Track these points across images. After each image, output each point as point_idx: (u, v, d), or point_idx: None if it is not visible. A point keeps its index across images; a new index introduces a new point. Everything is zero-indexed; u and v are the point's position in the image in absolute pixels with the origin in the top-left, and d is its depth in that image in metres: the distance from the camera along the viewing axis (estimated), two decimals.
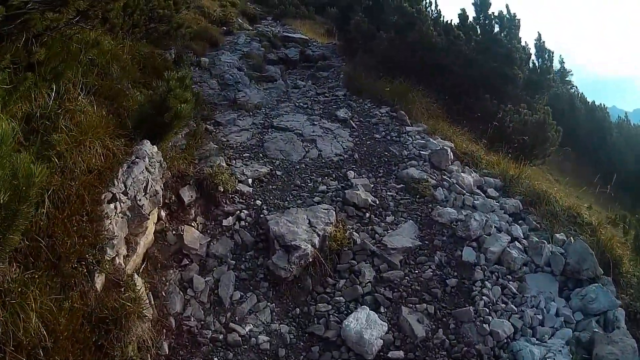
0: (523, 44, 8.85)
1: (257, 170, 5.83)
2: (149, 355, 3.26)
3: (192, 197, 4.93)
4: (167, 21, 7.20)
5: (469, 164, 6.50)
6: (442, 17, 10.33)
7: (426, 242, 4.83)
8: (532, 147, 8.02)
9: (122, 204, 3.74)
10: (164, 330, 3.54)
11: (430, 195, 5.51)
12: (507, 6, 8.81)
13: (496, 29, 8.90)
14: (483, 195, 5.66)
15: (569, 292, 4.42)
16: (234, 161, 6.09)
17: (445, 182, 5.76)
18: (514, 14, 8.76)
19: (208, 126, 7.15)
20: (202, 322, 3.81)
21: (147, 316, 3.27)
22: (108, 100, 4.80)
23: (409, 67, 8.73)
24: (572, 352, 3.76)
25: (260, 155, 6.43)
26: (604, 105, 15.50)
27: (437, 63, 8.78)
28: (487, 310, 4.04)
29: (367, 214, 5.16)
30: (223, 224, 4.82)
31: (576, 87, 14.75)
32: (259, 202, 5.22)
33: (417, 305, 4.10)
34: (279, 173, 5.95)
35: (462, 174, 6.00)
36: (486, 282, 4.32)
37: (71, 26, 4.40)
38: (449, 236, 4.89)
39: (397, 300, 4.15)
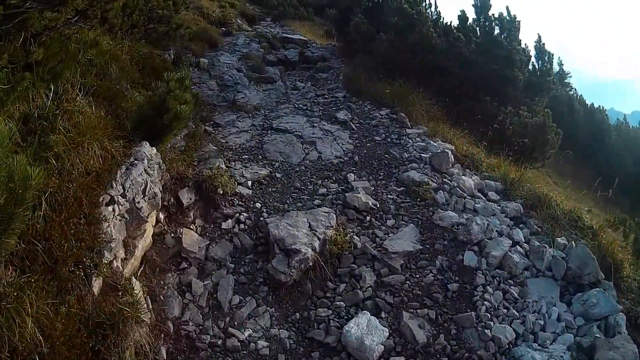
0: (523, 45, 8.83)
1: (256, 172, 5.78)
2: None
3: (191, 199, 4.89)
4: (167, 21, 7.15)
5: (469, 167, 6.46)
6: (441, 18, 10.31)
7: (427, 246, 4.79)
8: (532, 149, 7.99)
9: (120, 206, 3.69)
10: (162, 335, 3.49)
11: (431, 199, 5.47)
12: (507, 8, 8.81)
13: (496, 30, 8.88)
14: (484, 198, 5.62)
15: (570, 296, 4.38)
16: (233, 163, 6.05)
17: (446, 185, 5.72)
18: (514, 15, 8.75)
19: (207, 127, 7.11)
20: (201, 327, 3.76)
21: (145, 321, 3.23)
22: (107, 101, 4.75)
23: (409, 69, 8.70)
24: (574, 358, 3.73)
25: (260, 157, 6.39)
26: (603, 108, 15.51)
27: (437, 65, 8.75)
28: (489, 315, 4.00)
29: (368, 217, 5.12)
30: (222, 227, 4.78)
31: (575, 90, 14.80)
32: (258, 205, 5.18)
33: (418, 311, 4.06)
34: (278, 175, 5.90)
35: (463, 177, 5.96)
36: (488, 287, 4.28)
37: (70, 26, 4.36)
38: (450, 240, 4.86)
39: (398, 305, 4.11)
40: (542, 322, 4.03)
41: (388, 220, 5.11)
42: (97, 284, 3.16)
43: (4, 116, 3.16)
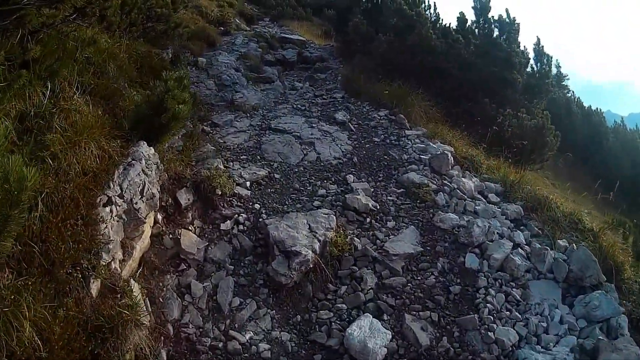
0: (522, 48, 8.83)
1: (255, 173, 5.72)
2: None
3: (189, 200, 4.82)
4: (165, 20, 7.09)
5: (469, 169, 6.44)
6: (440, 20, 10.31)
7: (428, 248, 4.75)
8: (531, 151, 7.98)
9: (117, 207, 3.63)
10: (162, 338, 3.43)
11: (432, 200, 5.43)
12: (506, 10, 8.81)
13: (495, 32, 8.87)
14: (484, 200, 5.59)
15: (572, 299, 4.36)
16: (232, 163, 5.99)
17: (446, 187, 5.69)
18: (514, 18, 8.75)
19: (205, 127, 7.06)
20: (201, 329, 3.70)
21: (144, 323, 3.16)
22: (104, 99, 4.69)
23: (408, 70, 8.67)
24: None
25: (258, 157, 6.33)
26: (600, 110, 15.55)
27: (436, 66, 8.74)
28: (492, 318, 3.96)
29: (368, 219, 5.08)
30: (221, 228, 4.72)
31: (573, 92, 14.82)
32: (257, 206, 5.12)
33: (421, 313, 4.02)
34: (277, 176, 5.85)
35: (462, 178, 5.93)
36: (490, 289, 4.24)
37: (68, 23, 4.30)
38: (451, 242, 4.82)
39: (399, 307, 4.07)
40: (544, 325, 4.00)
41: (388, 222, 5.07)
42: (95, 286, 3.10)
43: (0, 114, 3.10)
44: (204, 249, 4.42)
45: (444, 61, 8.74)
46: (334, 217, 4.87)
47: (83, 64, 4.60)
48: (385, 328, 3.77)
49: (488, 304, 4.08)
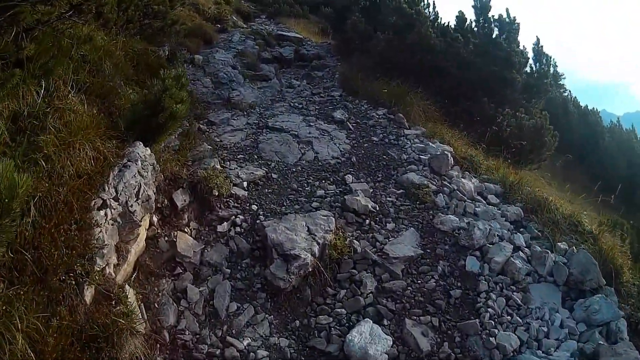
0: (521, 47, 8.78)
1: (252, 173, 5.65)
2: None
3: (185, 201, 4.74)
4: (162, 17, 6.98)
5: (468, 169, 6.39)
6: (439, 19, 10.23)
7: (428, 250, 4.70)
8: (529, 151, 7.95)
9: (112, 210, 3.55)
10: (158, 345, 3.35)
11: (431, 202, 5.38)
12: (507, 10, 8.75)
13: (495, 32, 8.81)
14: (484, 202, 5.55)
15: (571, 302, 4.33)
16: (228, 163, 5.91)
17: (445, 188, 5.64)
18: (514, 17, 8.70)
19: (201, 126, 6.98)
20: (198, 336, 3.63)
21: (140, 331, 3.09)
22: (99, 98, 4.60)
23: (407, 69, 8.60)
24: None
25: (255, 156, 6.26)
26: (597, 110, 15.54)
27: (436, 65, 8.67)
28: (493, 322, 3.92)
29: (367, 221, 5.02)
30: (217, 230, 4.65)
31: (569, 91, 14.80)
32: (254, 207, 5.05)
33: (421, 317, 3.97)
34: (274, 176, 5.77)
35: (462, 179, 5.88)
36: (491, 293, 4.20)
37: (63, 20, 4.19)
38: (451, 245, 4.77)
39: (400, 311, 4.01)
40: (545, 329, 3.96)
41: (388, 224, 5.01)
42: (89, 293, 3.02)
43: None
44: (200, 252, 4.34)
45: (443, 60, 8.68)
46: (333, 219, 4.81)
47: (78, 62, 4.50)
48: (386, 333, 3.72)
49: (489, 309, 4.03)
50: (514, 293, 4.24)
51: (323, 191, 5.53)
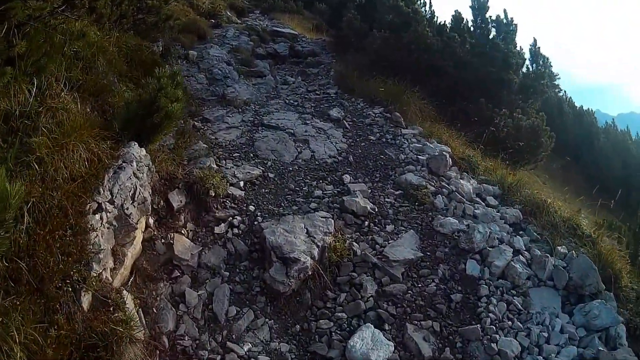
0: (518, 48, 8.77)
1: (248, 172, 5.56)
2: None
3: (181, 202, 4.64)
4: (156, 12, 6.84)
5: (466, 170, 6.35)
6: (435, 17, 10.20)
7: (428, 253, 4.66)
8: (525, 152, 7.95)
9: (108, 213, 3.45)
10: (157, 352, 3.26)
11: (430, 203, 5.34)
12: (504, 10, 8.72)
13: (493, 32, 8.79)
14: (483, 204, 5.52)
15: (571, 307, 4.32)
16: (224, 161, 5.82)
17: (444, 190, 5.60)
18: (511, 18, 8.68)
19: (196, 123, 6.87)
20: (197, 341, 3.55)
21: (139, 338, 3.00)
22: (93, 96, 4.48)
23: (404, 67, 8.54)
24: None
25: (251, 155, 6.17)
26: (592, 110, 15.62)
27: (432, 64, 8.63)
28: (494, 328, 3.89)
29: (366, 222, 4.96)
30: (215, 232, 4.56)
31: (565, 92, 14.85)
32: (252, 208, 4.97)
33: (422, 322, 3.93)
34: (271, 175, 5.69)
35: (461, 180, 5.85)
36: (492, 297, 4.17)
37: (56, 15, 4.06)
38: (451, 247, 4.73)
39: (401, 316, 3.97)
40: (546, 335, 3.94)
41: (387, 226, 4.96)
42: (86, 299, 2.93)
43: None
44: (197, 255, 4.25)
45: (440, 59, 8.64)
46: (332, 221, 4.74)
47: (71, 58, 4.37)
48: (387, 339, 3.67)
49: (490, 314, 4.01)
50: (515, 298, 4.22)
51: (321, 191, 5.47)
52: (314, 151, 6.48)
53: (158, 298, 3.68)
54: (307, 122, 7.39)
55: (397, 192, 5.56)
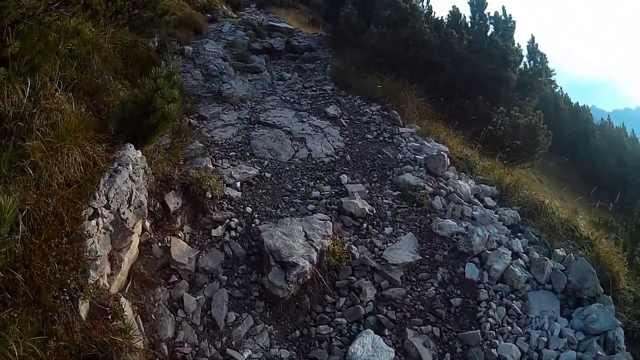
0: (516, 45, 8.73)
1: (245, 172, 5.50)
2: None
3: (178, 204, 4.57)
4: (152, 7, 6.71)
5: (464, 170, 6.33)
6: (433, 13, 10.12)
7: (427, 256, 4.63)
8: (523, 151, 7.94)
9: (104, 219, 3.38)
10: (157, 359, 3.22)
11: (428, 205, 5.31)
12: (503, 7, 8.67)
13: (491, 29, 8.74)
14: (481, 205, 5.50)
15: (569, 310, 4.33)
16: (220, 161, 5.75)
17: (442, 190, 5.57)
18: (510, 15, 8.64)
19: (192, 120, 6.77)
20: (197, 348, 3.49)
21: (138, 347, 2.96)
22: (88, 95, 4.40)
23: (402, 63, 8.48)
24: None
25: (248, 154, 6.10)
26: (588, 107, 15.61)
27: (430, 60, 8.57)
28: (494, 333, 3.88)
29: (365, 224, 4.92)
30: (212, 235, 4.50)
31: (561, 88, 14.83)
32: (249, 210, 4.91)
33: (422, 327, 3.91)
34: (268, 175, 5.63)
35: (459, 181, 5.83)
36: (491, 302, 4.16)
37: (50, 12, 3.96)
38: (450, 250, 4.71)
39: (400, 321, 3.95)
40: (545, 339, 3.94)
41: (386, 228, 4.92)
42: (84, 308, 2.87)
43: None
44: (195, 258, 4.19)
45: (438, 55, 8.58)
46: (330, 224, 4.70)
47: (66, 57, 4.27)
48: (388, 345, 3.65)
49: (490, 318, 4.00)
50: (514, 302, 4.21)
51: (318, 192, 5.42)
52: (310, 150, 6.43)
53: (156, 304, 3.63)
54: (304, 119, 7.32)
55: (395, 193, 5.53)
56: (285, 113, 7.50)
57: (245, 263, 4.31)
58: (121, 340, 2.77)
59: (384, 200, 5.40)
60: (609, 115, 17.01)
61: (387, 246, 4.63)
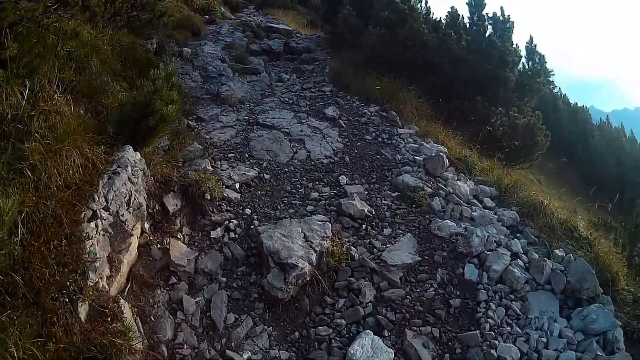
0: (514, 46, 8.75)
1: (244, 173, 5.50)
2: None
3: (177, 205, 4.57)
4: (150, 9, 6.72)
5: (463, 171, 6.34)
6: (431, 14, 10.13)
7: (426, 257, 4.63)
8: (521, 151, 7.95)
9: (103, 221, 3.39)
10: None
11: (427, 205, 5.31)
12: (501, 8, 8.68)
13: (489, 30, 8.75)
14: (480, 205, 5.50)
15: (568, 311, 4.32)
16: (219, 162, 5.75)
17: (441, 191, 5.57)
18: (508, 16, 8.65)
19: (190, 122, 6.78)
20: (197, 350, 3.49)
21: (138, 349, 2.96)
22: (86, 97, 4.40)
23: (400, 64, 8.48)
24: None
25: (246, 155, 6.10)
26: (586, 107, 15.62)
27: (428, 61, 8.57)
28: (493, 334, 3.88)
29: (364, 226, 4.92)
30: (211, 236, 4.50)
31: (559, 88, 14.82)
32: (248, 211, 4.91)
33: (422, 328, 3.91)
34: (267, 177, 5.63)
35: (457, 181, 5.83)
36: (490, 302, 4.16)
37: (48, 14, 3.97)
38: (449, 251, 4.71)
39: (400, 322, 3.94)
40: (544, 340, 3.94)
41: (384, 229, 4.92)
42: (83, 310, 2.87)
43: None
44: (194, 260, 4.19)
45: (436, 56, 8.59)
46: (330, 225, 4.71)
47: (64, 59, 4.28)
48: (387, 346, 3.64)
49: (489, 319, 3.99)
50: (513, 302, 4.21)
51: (317, 193, 5.42)
52: (309, 151, 6.43)
53: (155, 306, 3.63)
54: (303, 121, 7.32)
55: (394, 194, 5.53)
56: (284, 114, 7.50)
57: (244, 264, 4.31)
58: (120, 342, 2.77)
59: (383, 201, 5.40)
60: (607, 116, 17.00)
61: (386, 247, 4.63)
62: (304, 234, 4.50)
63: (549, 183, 9.38)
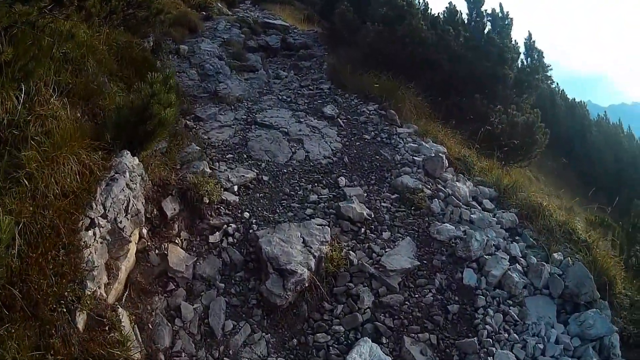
0: (513, 42, 8.71)
1: (242, 175, 5.47)
2: None
3: (175, 209, 4.55)
4: (147, 7, 6.63)
5: (462, 172, 6.32)
6: (429, 10, 10.07)
7: (425, 261, 4.62)
8: (520, 149, 7.93)
9: (101, 228, 3.36)
10: None
11: (426, 208, 5.30)
12: (500, 4, 8.64)
13: (488, 26, 8.71)
14: (479, 207, 5.49)
15: (566, 315, 4.33)
16: (217, 164, 5.71)
17: (440, 193, 5.55)
18: (507, 12, 8.60)
19: (188, 121, 6.74)
20: (194, 358, 3.48)
21: (136, 359, 2.95)
22: (83, 100, 4.36)
23: (398, 61, 8.44)
24: None
25: (245, 156, 6.06)
26: (584, 103, 15.56)
27: (427, 58, 8.53)
28: (491, 340, 3.88)
29: (363, 229, 4.90)
30: (209, 241, 4.47)
31: (557, 84, 14.76)
32: (246, 215, 4.88)
33: (420, 335, 3.90)
34: (265, 178, 5.60)
35: (457, 183, 5.82)
36: (488, 308, 4.16)
37: (44, 15, 3.91)
38: (448, 255, 4.70)
39: (398, 328, 3.94)
40: (541, 346, 3.94)
41: (384, 233, 4.91)
42: (81, 319, 2.86)
43: None
44: (192, 265, 4.17)
45: (435, 52, 8.54)
46: (329, 229, 4.69)
47: (60, 61, 4.23)
48: (385, 353, 3.64)
49: (487, 325, 3.99)
50: (511, 308, 4.21)
51: (316, 196, 5.40)
52: (308, 151, 6.40)
53: (153, 313, 3.61)
54: (301, 120, 7.28)
55: (393, 196, 5.51)
56: (282, 113, 7.46)
57: (243, 270, 4.30)
58: (119, 352, 2.77)
59: (382, 204, 5.38)
60: (605, 112, 16.94)
61: (385, 251, 4.62)
62: (303, 238, 4.48)
63: (547, 181, 9.38)
